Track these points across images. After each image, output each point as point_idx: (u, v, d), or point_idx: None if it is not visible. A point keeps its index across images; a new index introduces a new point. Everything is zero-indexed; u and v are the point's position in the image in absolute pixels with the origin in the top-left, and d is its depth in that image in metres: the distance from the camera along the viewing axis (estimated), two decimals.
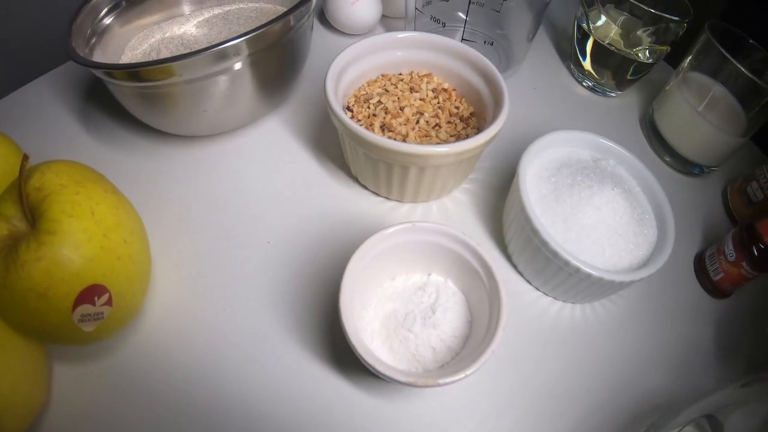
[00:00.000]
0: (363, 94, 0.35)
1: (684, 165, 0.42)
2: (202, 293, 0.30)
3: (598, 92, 0.46)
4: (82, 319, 0.24)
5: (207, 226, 0.33)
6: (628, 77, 0.44)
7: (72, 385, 0.27)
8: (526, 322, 0.31)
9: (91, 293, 0.24)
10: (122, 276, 0.26)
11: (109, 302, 0.25)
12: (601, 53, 0.43)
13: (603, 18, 0.43)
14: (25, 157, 0.24)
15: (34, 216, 0.24)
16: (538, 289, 0.33)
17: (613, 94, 0.46)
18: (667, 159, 0.42)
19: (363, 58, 0.34)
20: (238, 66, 0.32)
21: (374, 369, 0.24)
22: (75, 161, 0.27)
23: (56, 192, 0.24)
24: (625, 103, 0.46)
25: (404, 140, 0.32)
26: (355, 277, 0.26)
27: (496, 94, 0.33)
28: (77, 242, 0.23)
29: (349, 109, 0.34)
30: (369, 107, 0.33)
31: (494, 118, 0.31)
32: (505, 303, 0.26)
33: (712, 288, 0.36)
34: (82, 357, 0.28)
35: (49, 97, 0.41)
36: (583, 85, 0.46)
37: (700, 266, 0.37)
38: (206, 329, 0.29)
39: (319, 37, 0.45)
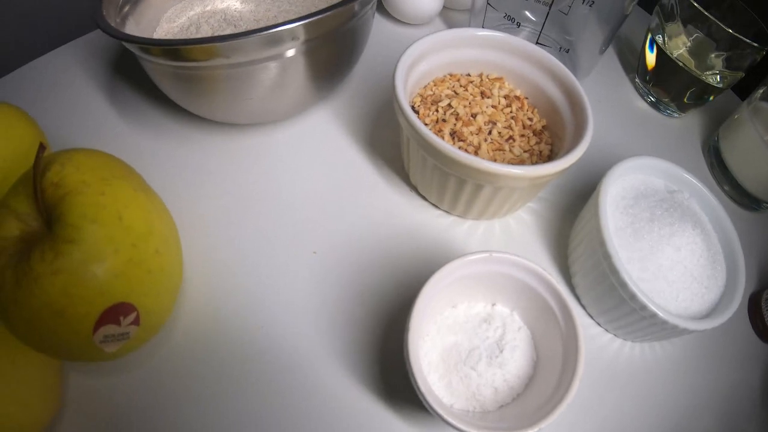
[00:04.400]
0: (430, 95, 0.31)
1: (743, 197, 0.40)
2: (236, 305, 0.27)
3: (662, 111, 0.43)
4: (105, 340, 0.21)
5: (244, 227, 0.30)
6: (690, 99, 0.41)
7: (86, 398, 0.24)
8: (586, 359, 0.29)
9: (116, 312, 0.21)
10: (152, 292, 0.22)
11: (135, 321, 0.22)
12: (670, 70, 0.40)
13: (678, 32, 0.40)
14: (41, 148, 0.20)
15: (50, 216, 0.20)
16: (599, 325, 0.31)
17: (676, 115, 0.43)
18: (726, 188, 0.40)
19: (432, 54, 0.31)
20: (291, 53, 0.28)
21: (447, 421, 0.21)
22: (99, 151, 0.23)
23: (77, 191, 0.20)
24: (688, 125, 0.44)
25: (476, 152, 0.29)
26: (423, 308, 0.24)
27: (578, 111, 0.30)
28: (101, 254, 0.20)
29: (414, 110, 0.31)
30: (437, 110, 0.30)
31: (577, 139, 0.28)
32: (582, 352, 0.24)
33: (765, 332, 0.34)
34: (99, 369, 0.25)
35: (72, 67, 0.36)
36: (646, 101, 0.44)
37: (755, 308, 0.35)
38: (238, 346, 0.26)
39: (374, 24, 0.41)
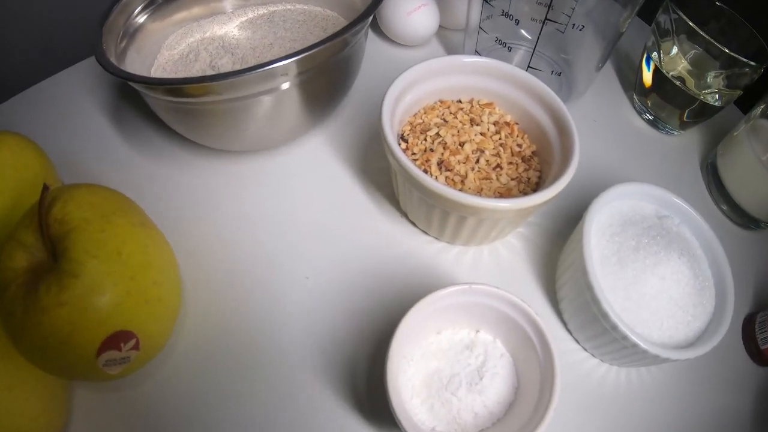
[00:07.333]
0: (419, 123, 0.32)
1: (741, 216, 0.40)
2: (232, 327, 0.29)
3: (660, 129, 0.43)
4: (107, 363, 0.23)
5: (241, 251, 0.31)
6: (690, 118, 0.41)
7: (91, 412, 0.26)
8: (572, 384, 0.30)
9: (117, 339, 0.22)
10: (150, 319, 0.24)
11: (135, 347, 0.23)
12: (668, 89, 0.40)
13: (674, 50, 0.40)
14: (45, 188, 0.22)
15: (55, 250, 0.22)
16: (586, 350, 0.31)
17: (675, 132, 0.43)
18: (724, 207, 0.40)
19: (421, 82, 0.32)
20: (285, 86, 0.29)
21: None
22: (100, 186, 0.25)
23: (80, 228, 0.22)
24: (687, 142, 0.43)
25: (463, 181, 0.30)
26: (402, 340, 0.25)
27: (565, 138, 0.30)
28: (102, 287, 0.22)
29: (403, 139, 0.32)
30: (426, 139, 0.31)
31: (564, 167, 0.29)
32: (558, 383, 0.24)
33: (758, 355, 0.34)
34: (104, 386, 0.27)
35: (75, 90, 0.38)
36: (644, 119, 0.43)
37: (749, 331, 0.35)
38: (235, 365, 0.28)
39: (370, 46, 0.42)
